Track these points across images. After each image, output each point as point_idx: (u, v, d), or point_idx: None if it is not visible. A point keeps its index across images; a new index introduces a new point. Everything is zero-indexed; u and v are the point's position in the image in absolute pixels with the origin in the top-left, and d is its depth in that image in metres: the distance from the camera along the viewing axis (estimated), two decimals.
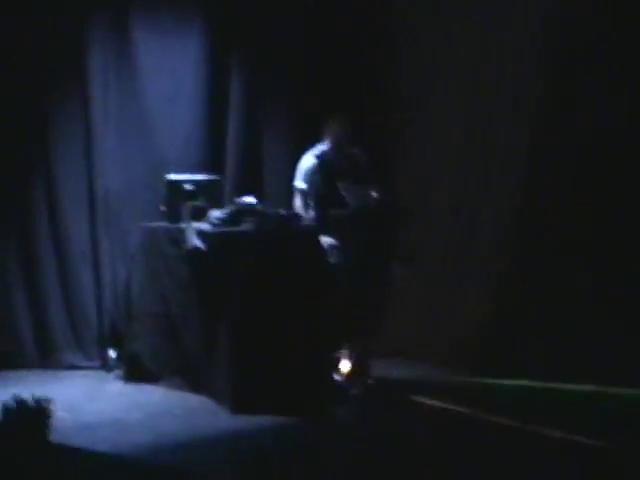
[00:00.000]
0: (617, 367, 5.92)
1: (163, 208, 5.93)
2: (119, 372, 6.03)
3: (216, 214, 5.64)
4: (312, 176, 5.85)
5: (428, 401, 5.48)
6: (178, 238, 5.70)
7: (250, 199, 5.74)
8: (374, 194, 5.80)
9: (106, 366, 6.23)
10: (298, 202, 5.90)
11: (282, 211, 5.76)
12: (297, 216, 5.73)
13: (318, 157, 5.87)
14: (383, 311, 5.84)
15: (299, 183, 5.90)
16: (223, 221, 5.58)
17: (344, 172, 5.85)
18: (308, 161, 5.89)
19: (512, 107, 6.73)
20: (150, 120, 6.53)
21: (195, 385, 5.57)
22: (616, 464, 4.39)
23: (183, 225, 5.70)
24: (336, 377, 5.63)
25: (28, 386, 5.70)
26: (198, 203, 5.80)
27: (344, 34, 6.79)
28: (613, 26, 6.31)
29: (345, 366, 5.73)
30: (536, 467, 4.37)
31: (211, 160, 6.62)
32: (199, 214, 5.72)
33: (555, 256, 6.63)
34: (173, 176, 5.99)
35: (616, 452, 4.52)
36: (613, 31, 6.30)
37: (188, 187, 5.90)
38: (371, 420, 5.21)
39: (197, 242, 5.53)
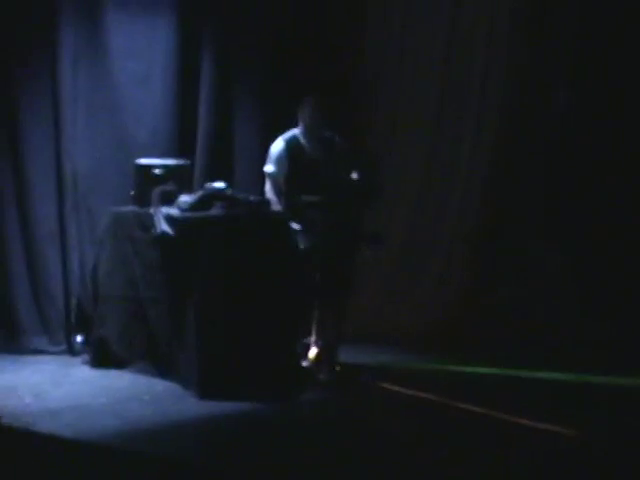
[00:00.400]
0: (586, 353, 6.00)
1: (132, 192, 5.89)
2: (85, 357, 6.00)
3: (185, 199, 5.60)
4: (280, 160, 5.81)
5: (395, 387, 5.50)
6: (147, 222, 5.66)
7: (220, 184, 5.71)
8: (355, 176, 5.75)
9: (72, 351, 6.19)
10: (268, 186, 5.87)
11: (251, 196, 5.75)
12: (266, 202, 5.71)
13: (287, 141, 5.83)
14: (350, 295, 5.85)
15: (268, 167, 5.86)
16: (192, 206, 5.55)
17: (316, 156, 5.81)
18: (277, 145, 5.85)
19: (480, 93, 6.77)
20: (120, 103, 6.48)
21: (162, 370, 5.55)
22: (582, 451, 4.44)
23: (152, 209, 5.66)
24: (303, 363, 5.63)
25: None
26: (167, 187, 5.77)
27: (315, 16, 6.76)
28: (579, 18, 6.40)
29: (312, 352, 5.74)
30: (503, 454, 4.40)
31: (181, 144, 6.58)
32: (168, 199, 5.69)
33: (523, 239, 6.70)
34: (142, 160, 5.95)
35: (582, 439, 4.57)
36: (580, 23, 6.39)
37: (157, 171, 5.86)
38: (338, 406, 5.22)
39: (166, 227, 5.50)
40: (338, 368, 5.69)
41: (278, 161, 5.80)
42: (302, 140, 5.82)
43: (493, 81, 6.73)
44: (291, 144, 5.80)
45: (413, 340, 6.48)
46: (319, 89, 6.14)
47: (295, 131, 5.85)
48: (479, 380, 5.76)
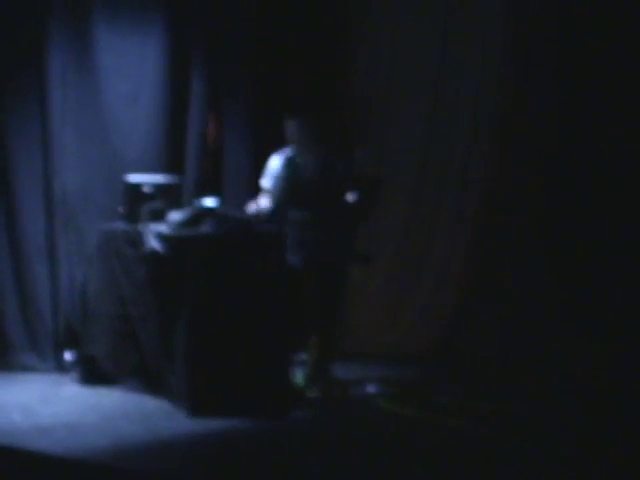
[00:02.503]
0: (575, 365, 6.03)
1: (121, 209, 5.90)
2: (75, 374, 5.99)
3: (175, 216, 5.62)
4: (275, 176, 5.73)
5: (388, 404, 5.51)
6: (136, 240, 5.67)
7: (209, 201, 5.73)
8: (351, 196, 5.70)
9: (62, 368, 6.18)
10: (262, 200, 5.81)
11: (241, 214, 5.76)
12: (256, 219, 5.68)
13: (284, 158, 5.74)
14: (341, 312, 5.87)
15: (264, 181, 5.80)
16: (182, 223, 5.56)
17: (313, 176, 5.72)
18: (274, 161, 5.78)
19: (472, 104, 6.81)
20: (109, 120, 6.50)
21: (152, 387, 5.55)
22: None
23: (141, 227, 5.67)
24: (294, 379, 5.64)
25: None
26: (157, 205, 5.78)
27: (305, 34, 6.80)
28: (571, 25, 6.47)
29: (303, 369, 5.74)
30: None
31: (171, 161, 6.60)
32: (158, 216, 5.70)
33: (515, 253, 6.73)
34: (132, 177, 5.96)
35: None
36: (571, 40, 6.46)
37: (147, 189, 5.88)
38: (329, 423, 5.22)
39: (155, 244, 5.51)
40: (329, 384, 5.68)
41: (273, 176, 5.75)
42: (298, 159, 5.75)
43: (484, 103, 6.78)
44: (288, 161, 5.74)
45: (404, 357, 6.49)
46: (304, 108, 6.13)
47: (293, 149, 5.76)
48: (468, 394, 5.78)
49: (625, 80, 6.29)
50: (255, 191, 6.01)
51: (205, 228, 5.53)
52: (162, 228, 5.58)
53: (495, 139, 6.73)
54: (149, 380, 5.57)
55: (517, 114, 6.68)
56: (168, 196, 5.90)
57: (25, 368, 6.16)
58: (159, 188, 5.92)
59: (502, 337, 6.50)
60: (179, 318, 5.38)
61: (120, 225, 5.90)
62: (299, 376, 5.71)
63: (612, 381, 5.83)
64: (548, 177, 6.59)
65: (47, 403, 5.43)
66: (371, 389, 5.80)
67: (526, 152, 6.67)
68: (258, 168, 5.99)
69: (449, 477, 4.32)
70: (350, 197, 5.70)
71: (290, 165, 5.74)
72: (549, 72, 6.60)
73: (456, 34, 6.83)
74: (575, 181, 6.47)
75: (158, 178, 6.06)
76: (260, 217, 5.67)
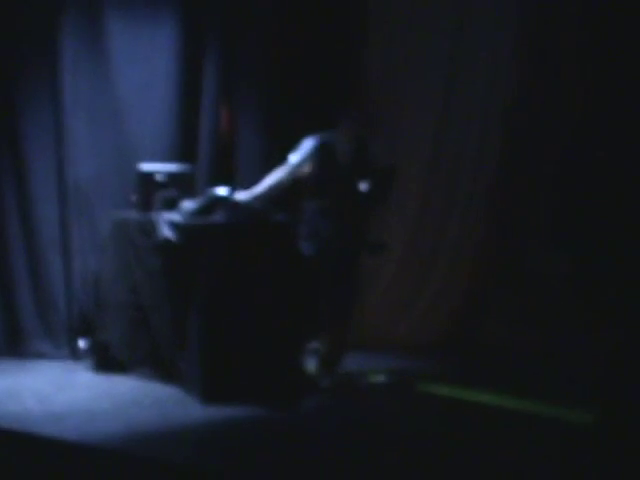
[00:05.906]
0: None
1: (134, 198, 5.92)
2: (88, 362, 6.02)
3: (188, 205, 5.63)
4: (307, 155, 5.63)
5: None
6: (149, 228, 5.69)
7: (222, 190, 5.74)
8: (364, 185, 5.70)
9: (75, 356, 6.22)
10: (278, 171, 5.67)
11: (254, 203, 5.77)
12: (269, 209, 5.68)
13: (322, 138, 5.63)
14: (354, 302, 5.88)
15: (293, 157, 5.65)
16: (195, 212, 5.58)
17: (345, 163, 5.67)
18: (311, 140, 5.64)
19: (485, 94, 6.79)
20: (122, 108, 6.50)
21: (165, 375, 5.58)
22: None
23: (154, 215, 5.69)
24: (307, 368, 5.66)
25: None
26: (170, 193, 5.80)
27: (318, 19, 6.79)
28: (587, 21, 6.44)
29: (316, 357, 5.76)
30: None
31: (183, 150, 6.60)
32: (171, 204, 5.72)
33: (525, 251, 6.72)
34: (145, 166, 5.98)
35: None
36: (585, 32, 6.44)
37: (160, 177, 5.89)
38: (340, 412, 5.24)
39: (168, 233, 5.53)
40: (342, 373, 5.70)
41: (304, 155, 5.63)
42: (336, 144, 5.66)
43: (496, 96, 6.77)
44: (325, 144, 5.64)
45: (414, 349, 6.50)
46: (321, 97, 6.11)
47: (332, 134, 5.68)
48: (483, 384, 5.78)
49: None
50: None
51: (218, 217, 5.54)
52: (175, 217, 5.60)
53: (508, 126, 6.71)
54: (162, 368, 5.59)
55: (530, 102, 6.67)
56: (181, 185, 5.91)
57: (39, 355, 6.20)
58: (172, 177, 5.93)
59: (517, 326, 6.50)
60: (192, 306, 5.40)
61: (133, 214, 5.91)
62: (312, 365, 5.72)
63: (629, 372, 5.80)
64: (563, 163, 6.58)
65: (61, 390, 5.47)
66: (382, 379, 5.81)
67: (541, 139, 6.66)
68: (271, 157, 5.99)
69: (459, 464, 4.34)
70: (363, 186, 5.70)
71: (325, 147, 5.63)
72: (563, 62, 6.58)
73: (470, 23, 6.81)
74: (591, 164, 6.46)
75: (171, 167, 6.07)
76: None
